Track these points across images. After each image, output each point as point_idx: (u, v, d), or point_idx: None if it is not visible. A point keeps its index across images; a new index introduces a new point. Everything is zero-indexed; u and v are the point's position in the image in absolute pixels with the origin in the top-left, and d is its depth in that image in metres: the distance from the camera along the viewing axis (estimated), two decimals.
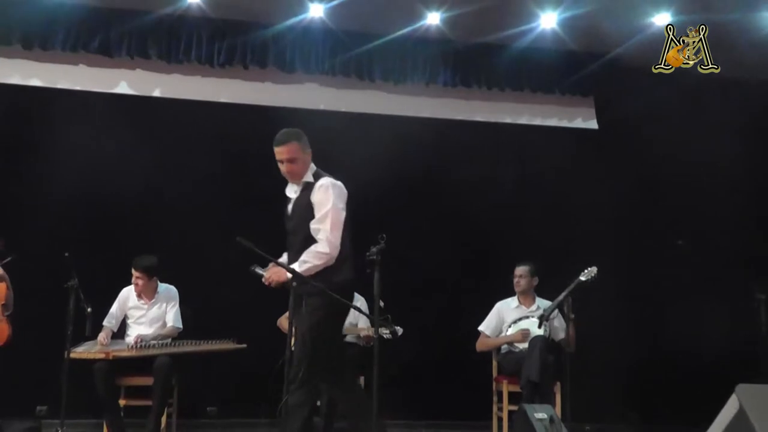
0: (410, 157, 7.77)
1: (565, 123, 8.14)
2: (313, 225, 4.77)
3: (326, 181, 4.84)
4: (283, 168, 4.87)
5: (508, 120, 8.11)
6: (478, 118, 8.05)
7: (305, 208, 4.81)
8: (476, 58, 7.79)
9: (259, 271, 4.78)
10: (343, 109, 7.79)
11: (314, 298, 4.69)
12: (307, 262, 4.69)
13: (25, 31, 7.10)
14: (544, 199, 8.13)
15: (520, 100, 8.03)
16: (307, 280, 4.60)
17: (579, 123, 8.15)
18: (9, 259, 6.29)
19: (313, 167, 4.94)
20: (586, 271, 6.46)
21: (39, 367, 6.56)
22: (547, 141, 8.01)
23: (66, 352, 5.81)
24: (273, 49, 7.43)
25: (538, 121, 8.12)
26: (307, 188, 4.85)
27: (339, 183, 4.89)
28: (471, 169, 7.95)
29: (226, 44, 7.36)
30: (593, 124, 8.11)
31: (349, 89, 7.77)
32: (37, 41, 7.13)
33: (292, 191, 4.95)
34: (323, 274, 4.72)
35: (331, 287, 4.64)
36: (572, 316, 6.43)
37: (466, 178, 7.92)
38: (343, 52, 7.53)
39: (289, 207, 4.93)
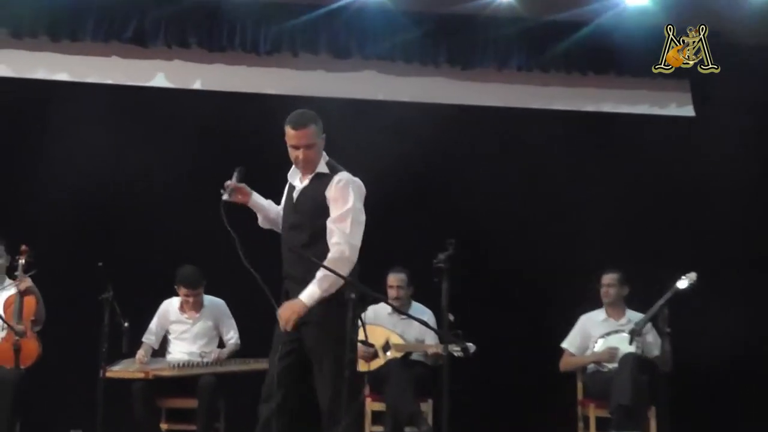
0: (482, 149, 7.76)
1: (656, 110, 8.04)
2: (330, 224, 4.60)
3: (346, 176, 4.71)
4: (298, 155, 4.67)
5: (590, 108, 8.06)
6: (557, 106, 8.01)
7: (316, 203, 4.66)
8: (553, 38, 7.72)
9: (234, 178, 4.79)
10: (405, 99, 7.81)
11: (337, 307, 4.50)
12: (325, 278, 4.47)
13: (52, 21, 7.24)
14: (636, 195, 8.03)
15: (605, 84, 7.97)
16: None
17: (673, 110, 8.05)
18: (34, 271, 6.40)
19: (325, 156, 4.80)
20: (684, 277, 6.39)
21: (72, 388, 6.68)
22: (637, 130, 7.94)
23: (101, 371, 5.87)
24: (325, 33, 7.48)
25: (624, 109, 8.05)
26: (320, 180, 4.70)
27: (358, 180, 4.75)
28: (551, 162, 7.90)
29: (273, 29, 7.42)
30: (689, 111, 8.00)
31: (411, 76, 7.79)
32: (64, 32, 7.27)
33: (297, 179, 4.80)
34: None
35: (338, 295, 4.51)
36: (668, 330, 6.37)
37: (545, 173, 7.88)
38: (403, 34, 7.55)
39: (295, 197, 4.76)
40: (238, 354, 6.59)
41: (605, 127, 8.06)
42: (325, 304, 4.51)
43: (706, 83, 7.71)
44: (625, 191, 7.98)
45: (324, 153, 4.80)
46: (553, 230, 7.82)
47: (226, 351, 6.59)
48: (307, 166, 4.72)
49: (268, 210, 4.93)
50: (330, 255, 4.51)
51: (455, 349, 6.00)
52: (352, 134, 7.35)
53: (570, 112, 8.01)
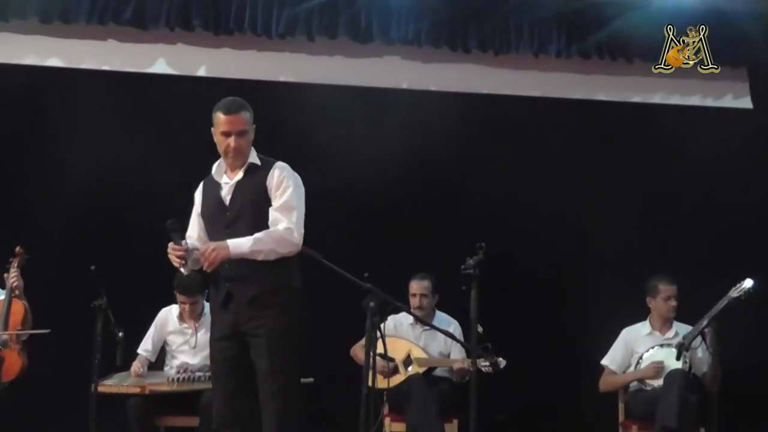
0: (516, 144, 7.75)
1: (710, 102, 8.02)
2: (274, 211, 4.75)
3: (285, 165, 4.88)
4: (229, 143, 4.77)
5: (637, 99, 8.03)
6: (601, 96, 8.00)
7: (255, 194, 4.78)
8: (596, 21, 7.69)
9: (185, 244, 4.75)
10: (432, 88, 7.82)
11: (281, 292, 4.72)
12: (262, 240, 4.65)
13: (42, 2, 7.24)
14: (690, 194, 7.99)
15: (653, 73, 7.92)
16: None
17: (729, 101, 8.01)
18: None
19: (254, 150, 4.93)
20: (738, 286, 6.35)
21: (61, 403, 6.70)
22: (689, 123, 7.90)
23: (93, 385, 5.87)
24: (344, 15, 7.45)
25: (675, 100, 8.01)
26: (255, 172, 4.83)
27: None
28: (590, 160, 7.87)
29: (287, 10, 7.40)
30: (747, 103, 7.95)
31: (438, 63, 7.78)
32: (57, 13, 7.26)
33: (224, 176, 4.88)
34: (285, 271, 4.74)
35: (293, 292, 4.75)
36: (717, 348, 6.34)
37: (583, 171, 7.85)
38: (431, 17, 7.53)
39: (225, 195, 4.84)
40: None
41: (650, 118, 8.01)
42: (273, 295, 4.70)
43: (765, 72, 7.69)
44: (671, 191, 7.95)
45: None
46: (592, 234, 7.79)
47: (197, 365, 6.50)
48: (237, 157, 4.82)
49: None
50: (277, 230, 4.69)
51: (484, 364, 6.00)
52: (372, 126, 7.40)
53: (613, 103, 7.96)
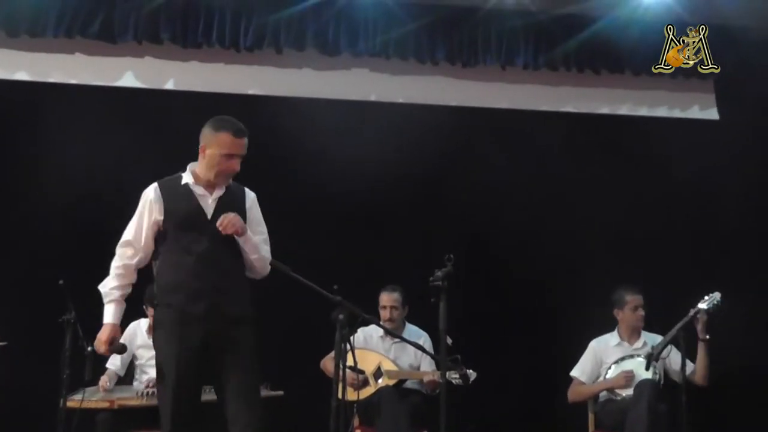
0: (484, 156, 7.79)
1: (677, 113, 8.10)
2: (261, 241, 4.99)
3: (252, 192, 5.11)
4: (234, 165, 4.91)
5: (605, 110, 8.09)
6: (569, 108, 8.05)
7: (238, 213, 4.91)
8: (563, 33, 7.78)
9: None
10: (400, 100, 7.86)
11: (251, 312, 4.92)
12: (260, 247, 4.95)
13: (8, 15, 7.21)
14: (652, 205, 8.07)
15: (620, 84, 8.00)
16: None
17: (695, 113, 8.09)
18: None
19: None
20: (707, 297, 6.40)
21: (30, 419, 6.65)
22: (656, 135, 7.96)
23: (61, 400, 5.81)
24: (312, 28, 7.49)
25: (643, 112, 8.09)
26: (231, 191, 4.98)
27: None
28: (559, 170, 7.93)
29: (254, 23, 7.43)
30: (713, 114, 8.03)
31: (407, 75, 7.83)
32: (23, 26, 7.24)
33: (201, 189, 4.93)
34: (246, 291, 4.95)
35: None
36: (707, 336, 6.41)
37: (553, 182, 7.90)
38: (398, 29, 7.57)
39: (206, 207, 4.90)
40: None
41: (618, 130, 8.08)
42: (248, 313, 4.88)
43: (730, 83, 7.77)
44: (640, 201, 8.02)
45: None
46: (562, 245, 7.85)
47: None
48: (229, 178, 4.97)
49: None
50: (268, 254, 4.99)
51: (454, 377, 6.00)
52: (341, 139, 7.40)
53: (581, 114, 8.01)
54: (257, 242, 4.90)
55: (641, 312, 6.85)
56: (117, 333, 4.93)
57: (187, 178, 4.97)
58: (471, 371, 6.26)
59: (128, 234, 4.98)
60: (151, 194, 4.99)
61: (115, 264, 4.96)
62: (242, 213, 4.89)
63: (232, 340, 4.78)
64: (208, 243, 4.82)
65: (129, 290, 4.98)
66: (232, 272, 4.85)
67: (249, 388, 4.81)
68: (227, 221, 4.75)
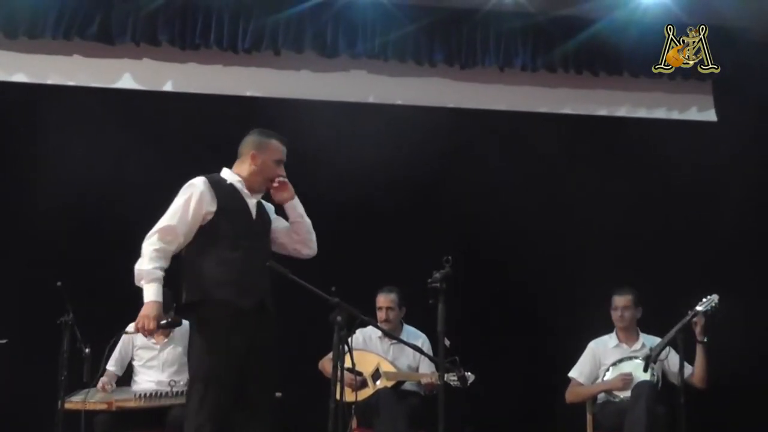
0: (482, 157, 7.80)
1: (675, 115, 8.11)
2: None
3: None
4: (281, 172, 5.19)
5: (603, 112, 8.11)
6: (567, 110, 8.06)
7: (267, 223, 5.17)
8: (562, 35, 7.78)
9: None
10: (398, 102, 7.87)
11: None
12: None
13: (7, 17, 7.23)
14: (653, 209, 8.08)
15: (618, 86, 8.01)
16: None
17: (693, 114, 8.10)
18: None
19: None
20: (704, 300, 6.40)
21: (28, 421, 6.67)
22: (655, 136, 7.97)
23: (60, 402, 5.84)
24: (310, 29, 7.49)
25: (641, 113, 8.09)
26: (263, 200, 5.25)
27: None
28: (557, 172, 7.94)
29: (253, 24, 7.44)
30: (711, 115, 8.04)
31: (405, 76, 7.83)
32: (22, 28, 7.25)
33: (244, 188, 5.09)
34: None
35: None
36: (705, 339, 6.42)
37: (554, 184, 7.91)
38: (397, 30, 7.57)
39: (251, 209, 5.07)
40: None
41: (617, 131, 8.09)
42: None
43: (728, 84, 7.78)
44: (638, 203, 8.03)
45: None
46: (560, 246, 7.85)
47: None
48: (273, 183, 5.19)
49: None
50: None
51: (452, 378, 6.00)
52: (339, 141, 7.41)
53: (579, 116, 8.02)
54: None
55: (618, 313, 6.88)
56: (161, 311, 4.79)
57: (231, 178, 5.06)
58: (469, 373, 6.26)
59: (170, 220, 4.88)
60: (201, 186, 4.96)
61: (153, 247, 4.84)
62: (269, 222, 5.20)
63: (265, 337, 4.86)
64: (251, 242, 4.93)
65: (165, 271, 4.88)
66: (268, 273, 4.89)
67: (270, 389, 4.89)
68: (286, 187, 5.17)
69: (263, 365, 4.87)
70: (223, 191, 4.97)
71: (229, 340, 4.75)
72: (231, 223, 4.91)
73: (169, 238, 4.84)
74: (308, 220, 5.24)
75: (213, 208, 4.90)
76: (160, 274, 4.81)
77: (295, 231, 5.22)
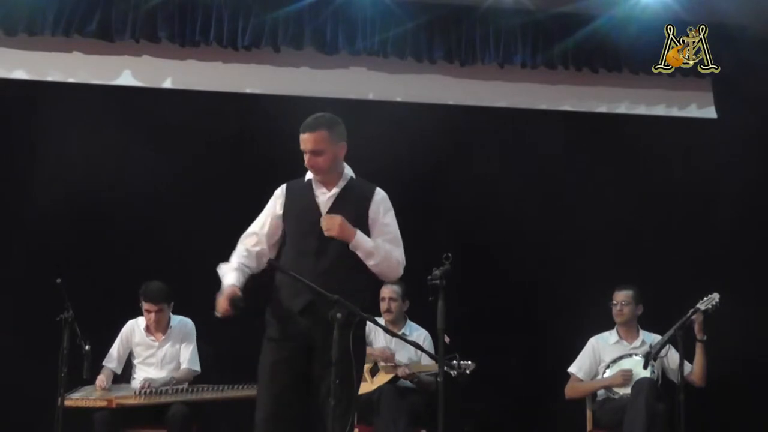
0: (482, 154, 7.80)
1: (675, 112, 8.10)
2: (386, 243, 4.88)
3: (384, 193, 4.99)
4: (308, 161, 4.86)
5: (603, 109, 8.09)
6: (566, 107, 8.04)
7: (353, 214, 4.84)
8: (561, 32, 7.77)
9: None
10: (398, 99, 7.85)
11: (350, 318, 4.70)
12: (382, 248, 4.83)
13: (6, 13, 7.21)
14: (653, 206, 8.09)
15: (618, 83, 8.00)
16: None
17: (693, 111, 8.09)
18: None
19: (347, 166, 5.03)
20: (705, 299, 6.41)
21: (28, 417, 6.67)
22: (654, 133, 7.98)
23: (59, 399, 5.84)
24: (310, 26, 7.47)
25: (641, 110, 8.08)
26: (352, 190, 4.92)
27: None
28: (557, 168, 7.95)
29: (252, 22, 7.42)
30: (711, 113, 8.04)
31: (404, 73, 7.82)
32: (21, 25, 7.23)
33: (320, 184, 4.92)
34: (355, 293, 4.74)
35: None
36: (704, 337, 6.42)
37: (551, 180, 7.92)
38: (396, 28, 7.56)
39: (322, 204, 4.88)
40: (205, 379, 6.55)
41: (616, 128, 8.09)
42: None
43: (728, 82, 7.77)
44: (638, 200, 8.03)
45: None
46: (559, 243, 7.85)
47: (161, 379, 6.47)
48: (319, 173, 4.89)
49: (245, 277, 4.90)
50: (395, 254, 4.87)
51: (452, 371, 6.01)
52: None
53: (579, 113, 8.01)
54: (371, 248, 4.78)
55: (618, 308, 6.91)
56: (236, 292, 4.71)
57: (309, 174, 4.96)
58: (469, 362, 6.27)
59: (253, 226, 4.98)
60: (277, 191, 5.01)
61: (236, 249, 4.94)
62: (362, 212, 4.88)
63: (327, 342, 4.60)
64: (318, 241, 4.80)
65: (250, 267, 4.87)
66: (337, 271, 4.73)
67: (329, 397, 4.58)
68: (327, 223, 4.74)
69: (323, 368, 4.66)
70: (296, 191, 4.97)
71: (276, 343, 4.81)
72: (294, 220, 4.92)
73: (252, 240, 4.95)
74: (381, 256, 4.82)
75: (280, 210, 4.95)
76: (235, 262, 4.87)
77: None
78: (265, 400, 4.79)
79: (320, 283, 4.64)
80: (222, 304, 4.67)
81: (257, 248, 4.90)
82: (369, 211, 4.89)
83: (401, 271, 4.93)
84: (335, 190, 4.88)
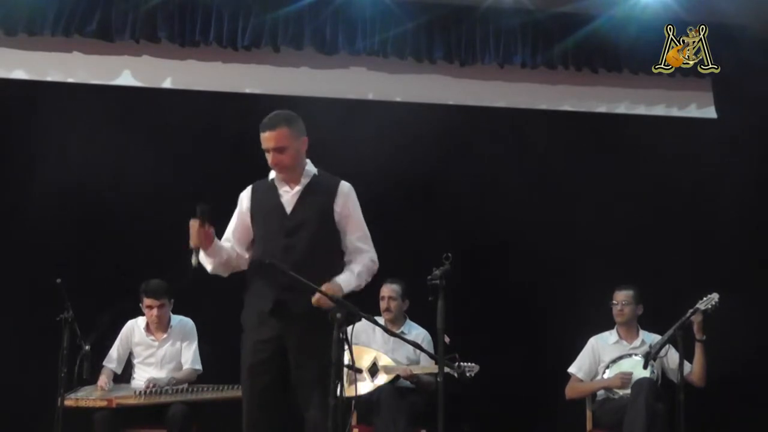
0: (481, 154, 7.80)
1: (674, 112, 8.11)
2: (356, 241, 4.96)
3: (348, 185, 5.03)
4: (269, 159, 4.89)
5: (603, 109, 8.09)
6: (566, 107, 8.05)
7: (319, 210, 4.90)
8: (561, 31, 7.78)
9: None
10: (398, 99, 7.85)
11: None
12: (362, 275, 4.92)
13: (6, 13, 7.21)
14: (653, 206, 8.09)
15: (618, 83, 8.01)
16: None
17: (692, 111, 8.10)
18: None
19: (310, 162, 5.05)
20: (704, 298, 6.41)
21: (28, 417, 6.68)
22: (654, 133, 7.98)
23: (59, 399, 5.83)
24: (309, 26, 7.48)
25: (641, 110, 8.08)
26: (317, 185, 4.95)
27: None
28: (557, 169, 7.95)
29: (252, 22, 7.43)
30: (711, 113, 8.04)
31: (404, 73, 7.82)
32: (21, 25, 7.23)
33: (283, 182, 4.94)
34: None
35: None
36: (704, 337, 6.44)
37: (550, 179, 7.92)
38: (396, 28, 7.56)
39: (286, 203, 4.91)
40: (206, 379, 6.55)
41: (616, 128, 8.09)
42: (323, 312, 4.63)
43: (728, 81, 7.78)
44: (637, 199, 8.04)
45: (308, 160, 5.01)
46: (559, 243, 7.84)
47: (164, 379, 6.47)
48: (283, 171, 4.91)
49: (226, 252, 4.96)
50: (370, 264, 4.97)
51: (453, 371, 6.02)
52: (339, 137, 7.39)
53: (579, 113, 8.01)
54: (354, 284, 4.83)
55: (618, 308, 6.92)
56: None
57: (272, 174, 4.99)
58: (473, 364, 6.28)
59: (226, 233, 5.04)
60: (243, 193, 5.07)
61: None
62: (327, 206, 4.90)
63: (302, 339, 4.74)
64: (286, 238, 4.83)
65: (228, 252, 4.93)
66: (306, 266, 4.68)
67: (311, 391, 4.71)
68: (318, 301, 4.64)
69: (300, 365, 4.78)
70: (262, 189, 5.02)
71: (252, 345, 4.91)
72: (260, 221, 4.95)
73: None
74: (363, 279, 4.93)
75: (246, 210, 5.01)
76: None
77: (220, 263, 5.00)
78: (247, 407, 4.88)
79: (282, 280, 4.68)
80: (192, 227, 4.72)
81: (228, 244, 4.97)
82: (334, 204, 4.92)
83: (376, 270, 5.04)
84: (298, 188, 4.92)
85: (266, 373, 4.81)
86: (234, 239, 4.98)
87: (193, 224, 4.70)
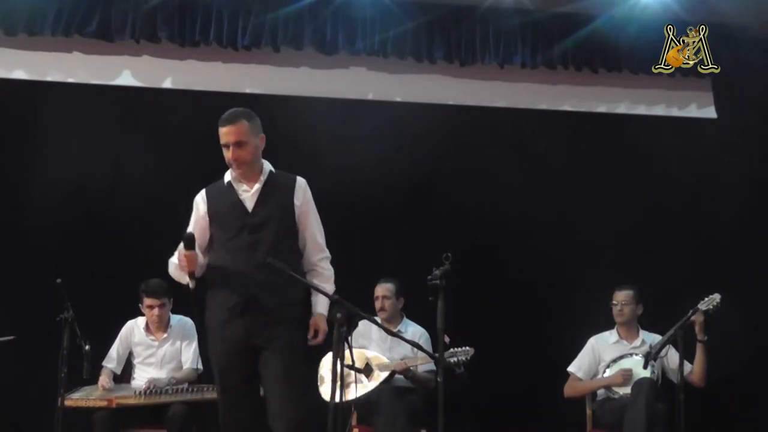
0: (481, 154, 7.80)
1: (675, 112, 8.11)
2: (312, 239, 5.02)
3: (303, 180, 5.07)
4: (228, 155, 4.87)
5: (603, 109, 8.10)
6: (566, 107, 8.05)
7: (280, 206, 4.92)
8: (561, 32, 7.79)
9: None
10: (398, 99, 7.85)
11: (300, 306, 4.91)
12: (328, 287, 4.98)
13: (6, 13, 7.22)
14: (653, 207, 8.08)
15: (618, 83, 8.01)
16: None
17: (693, 111, 8.10)
18: None
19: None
20: (706, 299, 6.40)
21: (28, 417, 6.69)
22: (654, 133, 7.98)
23: (59, 399, 5.83)
24: (309, 26, 7.48)
25: (641, 110, 8.08)
26: (275, 182, 4.97)
27: None
28: (556, 168, 7.95)
29: (252, 22, 7.44)
30: (711, 113, 8.04)
31: (404, 73, 7.82)
32: (21, 25, 7.24)
33: (240, 182, 4.94)
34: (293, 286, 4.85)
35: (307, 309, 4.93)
36: (705, 337, 6.42)
37: (550, 179, 7.92)
38: (396, 28, 7.57)
39: (246, 201, 4.91)
40: (206, 379, 6.54)
41: (616, 128, 8.10)
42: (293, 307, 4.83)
43: (728, 81, 7.78)
44: (638, 199, 8.04)
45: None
46: (559, 243, 7.85)
47: (165, 379, 6.46)
48: (242, 167, 4.90)
49: (202, 261, 4.96)
50: (327, 270, 5.05)
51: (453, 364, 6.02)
52: (339, 137, 7.41)
53: (579, 113, 8.01)
54: (330, 298, 4.83)
55: (618, 308, 6.91)
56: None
57: (228, 176, 4.99)
58: (467, 348, 6.27)
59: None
60: (197, 197, 5.05)
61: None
62: (287, 201, 4.93)
63: (269, 335, 4.76)
64: (250, 236, 4.84)
65: (200, 259, 4.88)
66: (274, 263, 4.71)
67: (285, 386, 4.73)
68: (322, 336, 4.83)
69: (273, 361, 4.79)
70: (217, 191, 5.02)
71: (219, 343, 4.91)
72: (220, 222, 4.95)
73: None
74: (332, 287, 5.02)
75: (204, 212, 5.00)
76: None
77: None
78: (222, 409, 4.92)
79: (260, 274, 4.74)
80: (181, 252, 4.74)
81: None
82: (294, 199, 4.95)
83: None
84: (257, 186, 4.93)
85: (236, 372, 4.84)
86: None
87: (188, 255, 4.72)
